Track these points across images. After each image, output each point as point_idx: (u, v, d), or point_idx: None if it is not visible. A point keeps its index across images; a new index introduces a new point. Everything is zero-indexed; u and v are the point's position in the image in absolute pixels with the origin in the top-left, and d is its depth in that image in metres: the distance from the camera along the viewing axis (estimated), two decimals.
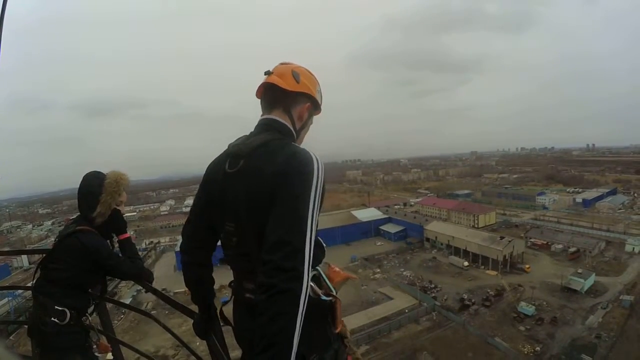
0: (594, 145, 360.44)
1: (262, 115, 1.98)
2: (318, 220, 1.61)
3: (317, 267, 1.84)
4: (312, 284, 1.65)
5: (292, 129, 1.94)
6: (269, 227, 1.51)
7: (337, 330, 1.84)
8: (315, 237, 1.61)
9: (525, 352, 41.44)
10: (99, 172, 3.03)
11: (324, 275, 1.84)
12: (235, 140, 1.93)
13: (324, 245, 1.97)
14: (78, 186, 2.96)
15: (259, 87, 1.97)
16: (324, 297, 1.75)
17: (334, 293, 1.80)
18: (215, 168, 1.94)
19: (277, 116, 1.92)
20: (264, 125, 1.91)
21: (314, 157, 1.65)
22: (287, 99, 1.92)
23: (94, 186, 2.93)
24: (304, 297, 1.38)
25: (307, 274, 1.42)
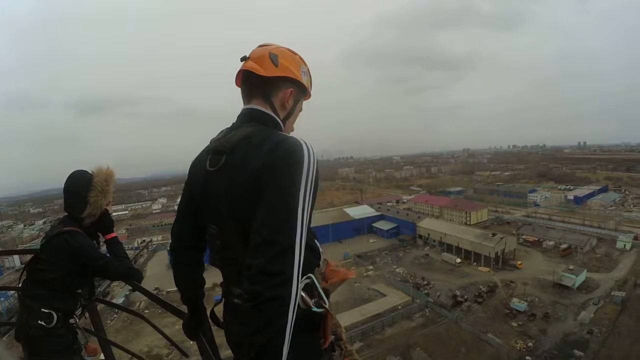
0: (585, 143, 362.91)
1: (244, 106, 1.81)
2: (311, 215, 1.47)
3: (311, 275, 1.59)
4: (303, 293, 1.50)
5: (276, 118, 1.75)
6: (254, 226, 1.37)
7: (326, 345, 1.68)
8: (309, 237, 1.48)
9: (518, 348, 41.69)
10: (85, 171, 2.94)
11: (317, 284, 1.60)
12: (217, 135, 1.78)
13: (320, 249, 1.82)
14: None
15: (237, 74, 1.80)
16: (315, 309, 1.54)
17: (327, 305, 1.59)
18: (197, 166, 1.81)
19: (258, 105, 1.74)
20: (245, 116, 1.75)
21: (303, 143, 1.49)
22: (266, 85, 1.72)
23: (81, 185, 2.85)
24: (293, 304, 1.28)
25: (296, 277, 1.30)
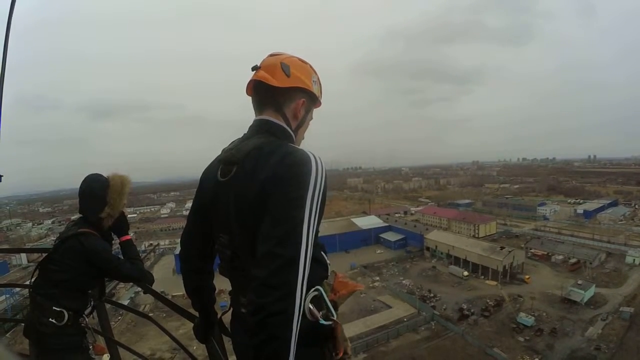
0: (595, 156, 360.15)
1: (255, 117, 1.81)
2: (318, 228, 1.47)
3: (319, 287, 1.57)
4: (310, 306, 1.50)
5: (287, 129, 1.75)
6: (260, 238, 1.38)
7: (340, 356, 1.67)
8: (316, 249, 1.49)
9: None
10: (100, 175, 3.00)
11: (325, 296, 1.58)
12: (229, 145, 1.79)
13: (328, 261, 1.82)
14: (78, 188, 2.93)
15: (248, 83, 1.78)
16: (322, 321, 1.53)
17: (335, 317, 1.58)
18: (208, 175, 1.80)
19: (270, 116, 1.74)
20: (257, 127, 1.75)
21: (311, 156, 1.48)
22: (278, 96, 1.72)
23: (97, 188, 2.91)
24: (297, 317, 1.28)
25: (300, 290, 1.30)
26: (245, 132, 1.81)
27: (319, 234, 1.56)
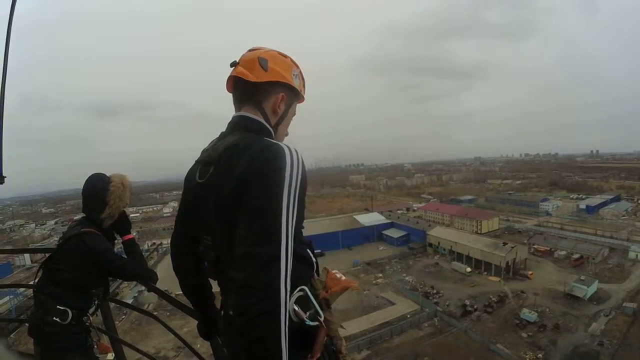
0: (597, 151, 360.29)
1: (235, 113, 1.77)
2: (300, 223, 1.45)
3: (304, 287, 1.51)
4: (295, 307, 1.44)
5: (266, 124, 1.70)
6: (237, 238, 1.33)
7: (314, 359, 1.56)
8: (301, 247, 1.48)
9: (527, 359, 41.25)
10: (103, 174, 3.02)
11: (311, 296, 1.52)
12: (208, 145, 1.75)
13: (314, 259, 1.76)
14: (82, 187, 2.96)
15: (227, 80, 1.76)
16: (308, 322, 1.47)
17: (322, 317, 1.52)
18: (189, 178, 1.77)
19: (248, 112, 1.70)
20: (234, 124, 1.71)
21: (286, 149, 1.43)
22: (256, 91, 1.68)
23: (100, 188, 2.93)
24: (284, 316, 1.24)
25: (283, 288, 1.26)
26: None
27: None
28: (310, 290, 1.54)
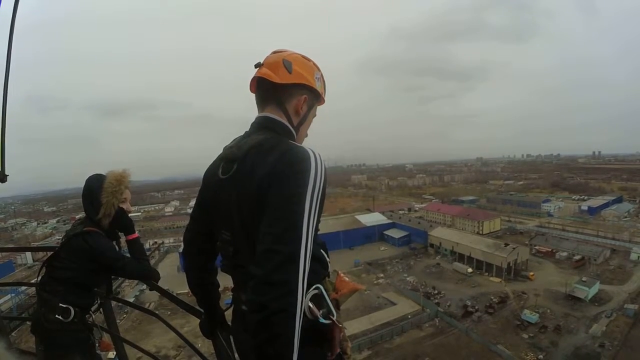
0: (599, 152, 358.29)
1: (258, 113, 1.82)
2: (317, 225, 1.47)
3: (319, 285, 1.58)
4: (310, 304, 1.50)
5: (289, 125, 1.75)
6: (259, 235, 1.36)
7: (332, 357, 1.66)
8: (315, 247, 1.49)
9: None
10: (100, 174, 3.02)
11: (325, 295, 1.59)
12: (231, 142, 1.80)
13: (328, 259, 1.82)
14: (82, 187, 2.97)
15: (251, 81, 1.80)
16: (322, 320, 1.52)
17: (334, 317, 1.57)
18: (210, 173, 1.81)
19: (271, 113, 1.75)
20: (258, 124, 1.76)
21: (311, 152, 1.48)
22: (279, 92, 1.73)
23: (94, 188, 2.93)
24: (299, 315, 1.26)
25: (301, 287, 1.28)
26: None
27: (320, 232, 1.57)
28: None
